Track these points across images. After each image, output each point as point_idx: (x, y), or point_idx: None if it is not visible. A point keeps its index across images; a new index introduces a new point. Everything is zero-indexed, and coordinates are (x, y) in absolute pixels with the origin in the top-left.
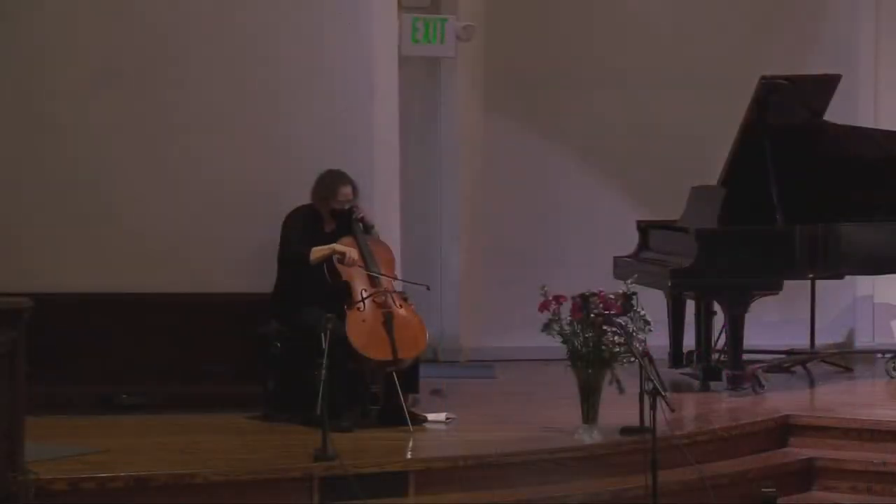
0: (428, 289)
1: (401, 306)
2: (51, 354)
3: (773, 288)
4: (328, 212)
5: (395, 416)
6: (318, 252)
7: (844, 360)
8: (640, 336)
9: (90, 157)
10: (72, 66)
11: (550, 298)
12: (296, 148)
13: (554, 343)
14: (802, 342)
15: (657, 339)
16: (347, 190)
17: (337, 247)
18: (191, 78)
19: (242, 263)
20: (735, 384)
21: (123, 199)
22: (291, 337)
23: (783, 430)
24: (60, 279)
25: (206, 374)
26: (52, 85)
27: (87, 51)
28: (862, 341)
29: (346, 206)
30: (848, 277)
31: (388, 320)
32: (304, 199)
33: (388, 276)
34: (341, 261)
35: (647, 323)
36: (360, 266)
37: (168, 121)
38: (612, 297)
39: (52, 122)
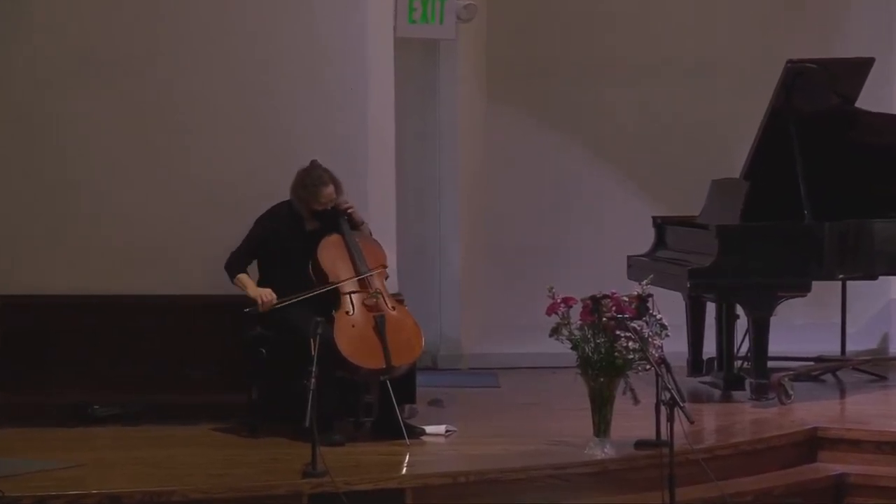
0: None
1: (394, 308)
2: (19, 360)
3: (801, 289)
4: (309, 213)
5: (391, 429)
6: (239, 281)
7: (878, 367)
8: (657, 342)
9: (73, 152)
10: (55, 56)
11: (559, 301)
12: (286, 142)
13: (563, 349)
14: (833, 348)
15: (675, 345)
16: (329, 190)
17: (250, 292)
18: (180, 68)
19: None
20: (759, 394)
21: (107, 196)
22: (278, 342)
23: (811, 443)
24: (35, 280)
25: (186, 382)
26: (35, 75)
27: (72, 39)
28: None
29: (329, 207)
30: (882, 278)
31: (379, 324)
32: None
33: (377, 272)
34: (253, 311)
35: (663, 327)
36: (344, 279)
37: (156, 111)
38: (625, 299)
39: (34, 115)
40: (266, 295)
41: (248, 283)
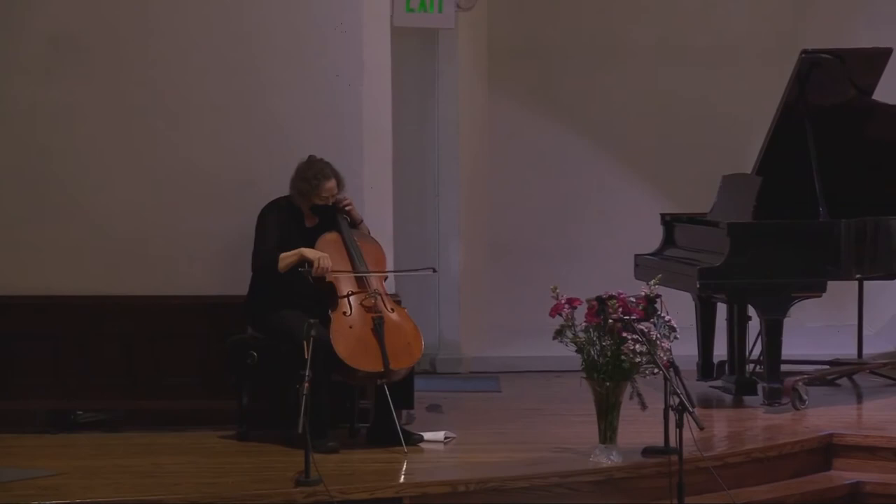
0: (434, 271)
1: (393, 310)
2: (5, 364)
3: (816, 289)
4: (309, 207)
5: (388, 435)
6: (285, 259)
7: None
8: (665, 344)
9: (50, 143)
10: (29, 40)
11: (563, 301)
12: (278, 134)
13: (567, 352)
14: (849, 351)
15: (684, 348)
16: (331, 185)
17: (306, 252)
18: (166, 53)
19: (218, 261)
20: (772, 399)
21: (87, 190)
22: (269, 345)
23: (826, 450)
24: (12, 280)
25: (174, 387)
26: (6, 61)
27: (47, 21)
28: None
29: (330, 202)
30: None
31: (377, 326)
32: (286, 189)
33: (379, 274)
34: (310, 272)
35: (672, 329)
36: (339, 270)
37: (151, 111)
38: (633, 299)
39: (6, 104)
40: (325, 259)
41: (298, 250)
